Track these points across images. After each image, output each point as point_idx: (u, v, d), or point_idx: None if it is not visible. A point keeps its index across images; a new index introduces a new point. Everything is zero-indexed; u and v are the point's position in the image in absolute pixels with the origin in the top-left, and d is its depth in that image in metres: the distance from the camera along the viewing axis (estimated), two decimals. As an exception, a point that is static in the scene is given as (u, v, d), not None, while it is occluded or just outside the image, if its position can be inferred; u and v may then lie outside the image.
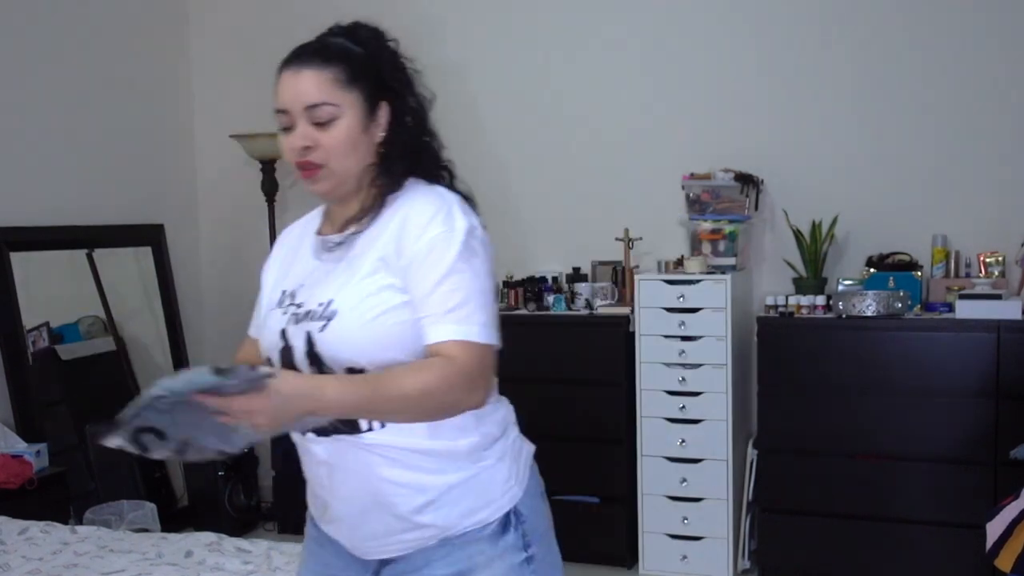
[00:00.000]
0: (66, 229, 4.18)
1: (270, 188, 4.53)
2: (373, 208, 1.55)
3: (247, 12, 4.83)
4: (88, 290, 4.29)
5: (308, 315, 1.52)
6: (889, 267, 3.79)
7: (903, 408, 3.50)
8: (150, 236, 4.62)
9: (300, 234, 1.69)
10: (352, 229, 1.57)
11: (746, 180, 3.87)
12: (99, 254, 4.33)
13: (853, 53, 3.93)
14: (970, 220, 3.81)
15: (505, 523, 1.57)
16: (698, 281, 3.70)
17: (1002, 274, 3.69)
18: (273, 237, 4.55)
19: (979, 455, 3.41)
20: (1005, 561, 2.58)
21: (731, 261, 3.77)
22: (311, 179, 1.54)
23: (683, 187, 3.92)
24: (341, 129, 1.51)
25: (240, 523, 4.30)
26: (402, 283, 1.48)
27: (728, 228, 3.80)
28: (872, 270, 3.81)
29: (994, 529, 2.67)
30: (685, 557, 3.74)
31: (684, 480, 3.73)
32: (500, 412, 1.61)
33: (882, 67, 3.90)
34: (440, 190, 1.56)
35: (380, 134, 1.56)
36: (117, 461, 4.08)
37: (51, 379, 4.01)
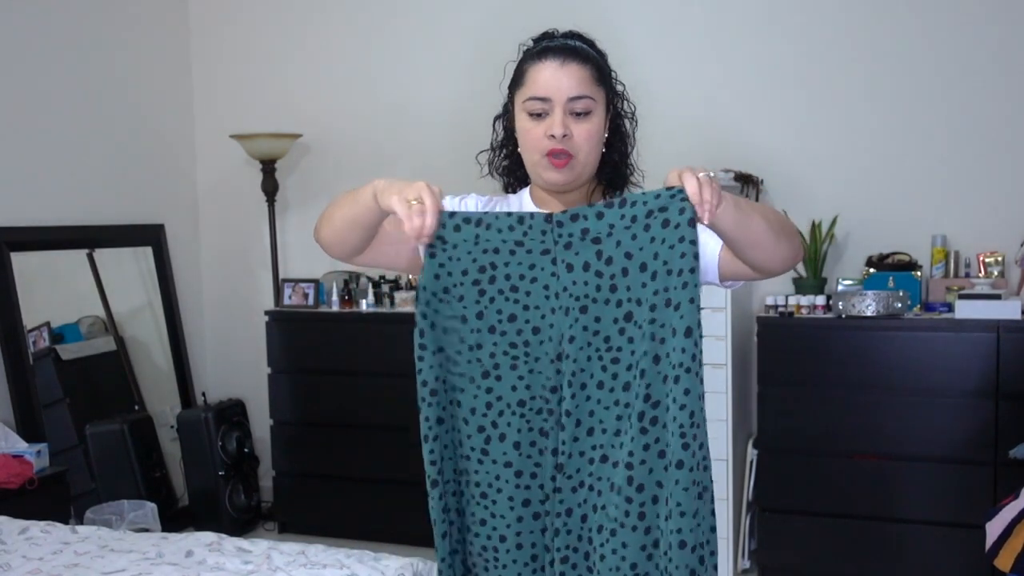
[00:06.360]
0: (66, 229, 4.18)
1: (270, 188, 4.53)
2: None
3: (247, 13, 4.83)
4: (88, 290, 4.29)
5: None
6: (889, 267, 3.79)
7: (903, 408, 3.51)
8: (150, 236, 4.63)
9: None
10: None
11: (746, 180, 3.87)
12: (99, 254, 4.33)
13: (853, 53, 3.94)
14: (969, 220, 3.81)
15: None
16: (698, 281, 3.69)
17: (1001, 274, 3.70)
18: (273, 237, 4.56)
19: (979, 455, 3.41)
20: (1004, 561, 2.58)
21: (731, 261, 3.76)
22: (560, 167, 1.59)
23: (683, 187, 3.92)
24: (594, 123, 1.60)
25: (240, 523, 4.30)
26: None
27: (728, 228, 3.79)
28: (872, 270, 3.81)
29: (994, 529, 2.67)
30: (685, 557, 3.74)
31: (684, 480, 3.72)
32: None
33: (882, 67, 3.90)
34: None
35: (605, 135, 1.65)
36: (117, 461, 4.09)
37: (51, 379, 4.01)
